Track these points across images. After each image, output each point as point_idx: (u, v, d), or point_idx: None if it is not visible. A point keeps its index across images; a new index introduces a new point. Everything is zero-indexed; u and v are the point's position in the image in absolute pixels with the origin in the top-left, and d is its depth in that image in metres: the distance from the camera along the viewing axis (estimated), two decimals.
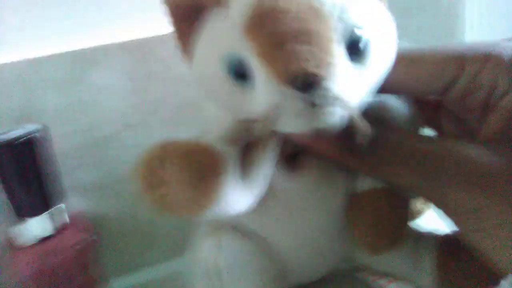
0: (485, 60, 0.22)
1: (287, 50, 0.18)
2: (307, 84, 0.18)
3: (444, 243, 0.28)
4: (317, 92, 0.18)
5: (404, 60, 0.23)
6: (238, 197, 0.22)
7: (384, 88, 0.24)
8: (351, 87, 0.19)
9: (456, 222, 0.23)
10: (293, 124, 0.19)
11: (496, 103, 0.23)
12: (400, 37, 0.22)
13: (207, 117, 0.31)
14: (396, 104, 0.25)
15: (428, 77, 0.23)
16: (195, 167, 0.20)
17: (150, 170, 0.20)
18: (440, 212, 0.23)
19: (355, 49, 0.20)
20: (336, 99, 0.18)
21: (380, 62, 0.21)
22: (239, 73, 0.20)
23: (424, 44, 0.24)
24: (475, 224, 0.22)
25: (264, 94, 0.19)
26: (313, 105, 0.18)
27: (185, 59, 0.23)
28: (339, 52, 0.19)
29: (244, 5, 0.19)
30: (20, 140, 0.28)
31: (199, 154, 0.21)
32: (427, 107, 0.28)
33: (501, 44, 0.23)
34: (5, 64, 0.31)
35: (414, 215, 0.35)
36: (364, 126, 0.20)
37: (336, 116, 0.19)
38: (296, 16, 0.18)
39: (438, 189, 0.22)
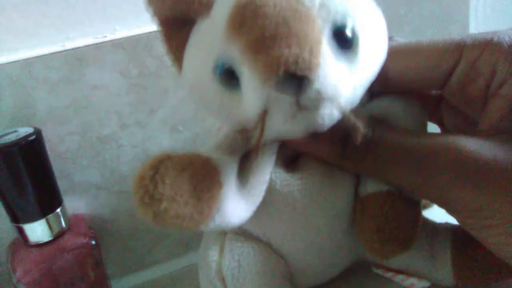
0: (483, 46, 0.22)
1: (272, 54, 0.17)
2: (295, 87, 0.17)
3: (460, 236, 0.27)
4: (306, 95, 0.18)
5: (402, 53, 0.23)
6: (238, 207, 0.22)
7: (384, 83, 0.23)
8: (342, 86, 0.19)
9: (461, 220, 0.22)
10: (283, 127, 0.19)
11: (496, 90, 0.22)
12: (402, 25, 0.21)
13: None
14: (401, 102, 0.25)
15: (427, 68, 0.23)
16: (197, 180, 0.20)
17: (149, 186, 0.19)
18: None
19: (344, 46, 0.19)
20: (326, 100, 0.18)
21: (371, 57, 0.21)
22: (228, 79, 0.20)
23: (426, 32, 0.23)
24: (481, 221, 0.21)
25: (252, 99, 0.19)
26: (303, 107, 0.18)
27: (177, 69, 0.23)
28: (327, 52, 0.18)
29: (226, 9, 0.19)
30: (13, 144, 0.27)
31: (200, 166, 0.21)
32: (429, 103, 0.27)
33: (501, 31, 0.22)
34: None
35: (424, 206, 0.35)
36: (359, 124, 0.19)
37: (327, 117, 0.19)
38: (279, 19, 0.18)
39: (440, 188, 0.21)
